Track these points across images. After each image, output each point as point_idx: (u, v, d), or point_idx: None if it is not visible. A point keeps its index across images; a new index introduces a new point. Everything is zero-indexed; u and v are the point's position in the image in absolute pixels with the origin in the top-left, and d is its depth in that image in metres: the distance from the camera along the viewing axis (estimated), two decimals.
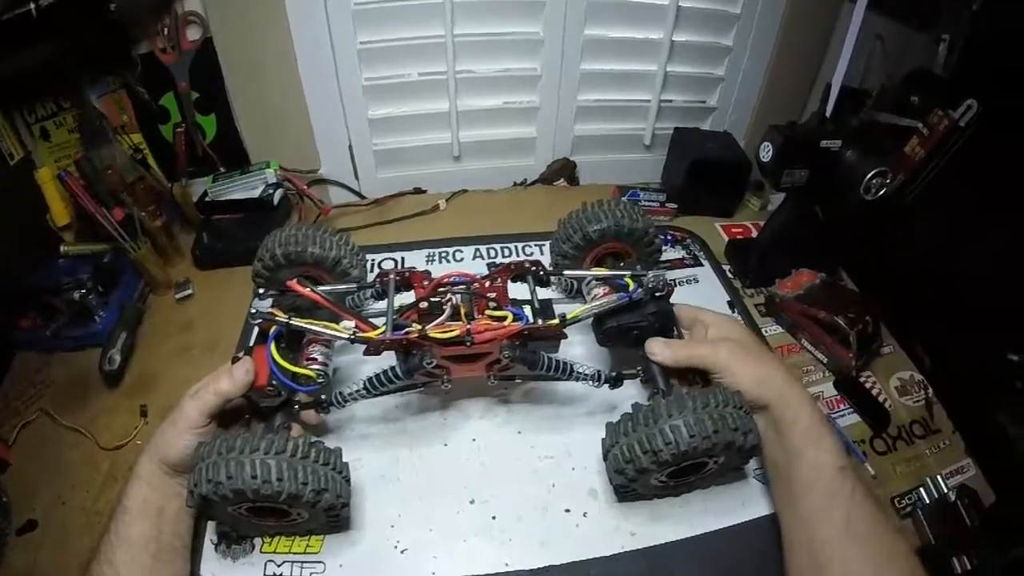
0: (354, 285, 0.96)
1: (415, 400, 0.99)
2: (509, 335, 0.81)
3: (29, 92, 1.20)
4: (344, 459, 0.76)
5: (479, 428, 0.96)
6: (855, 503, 0.71)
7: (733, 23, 1.37)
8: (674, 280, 0.90)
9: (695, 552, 0.83)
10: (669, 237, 1.35)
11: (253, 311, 0.82)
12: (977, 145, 1.03)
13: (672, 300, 0.91)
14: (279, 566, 0.80)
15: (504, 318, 0.83)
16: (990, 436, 0.99)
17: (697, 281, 1.26)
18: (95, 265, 1.16)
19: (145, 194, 1.21)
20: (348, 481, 0.76)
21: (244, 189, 1.32)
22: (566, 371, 0.86)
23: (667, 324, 0.89)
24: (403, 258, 1.28)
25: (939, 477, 0.93)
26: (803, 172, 1.09)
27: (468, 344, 0.79)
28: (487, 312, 0.85)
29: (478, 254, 1.29)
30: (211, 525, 0.83)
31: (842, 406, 1.06)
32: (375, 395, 0.84)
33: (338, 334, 0.81)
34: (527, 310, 0.87)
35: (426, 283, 0.89)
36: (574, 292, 1.05)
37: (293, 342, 0.86)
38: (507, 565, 0.81)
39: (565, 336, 0.86)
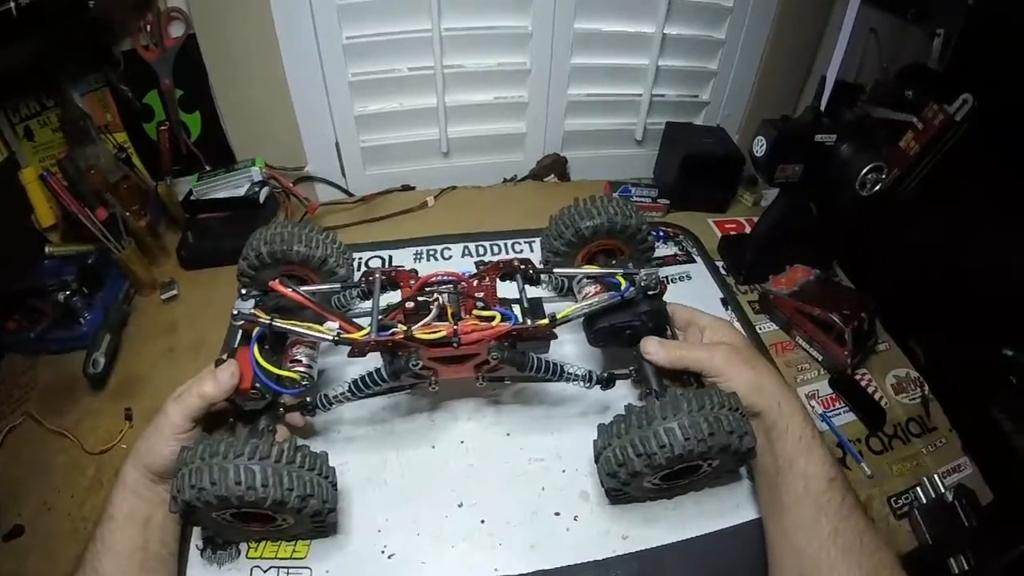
0: (339, 285, 0.95)
1: (403, 401, 0.98)
2: (497, 336, 0.79)
3: (12, 91, 1.19)
4: (330, 463, 0.75)
5: (468, 430, 0.95)
6: (843, 515, 0.71)
7: (726, 16, 1.36)
8: (666, 277, 0.89)
9: (688, 555, 0.82)
10: (661, 233, 1.34)
11: (235, 312, 0.81)
12: (972, 140, 1.02)
13: (665, 298, 0.90)
14: (265, 572, 0.79)
15: (492, 318, 0.82)
16: (986, 433, 0.99)
17: (690, 278, 1.25)
18: (80, 266, 1.15)
19: (129, 193, 1.19)
20: (335, 486, 0.75)
21: (229, 187, 1.31)
22: (556, 372, 0.84)
23: (660, 323, 0.88)
24: (390, 256, 1.26)
25: (936, 476, 0.92)
26: (797, 167, 1.08)
27: (455, 345, 0.78)
28: (475, 312, 0.83)
29: (467, 252, 1.28)
30: (196, 530, 0.82)
31: (837, 404, 1.05)
32: (361, 397, 0.83)
33: (322, 336, 0.79)
34: (516, 310, 0.85)
35: (412, 282, 0.88)
36: (564, 290, 1.04)
37: (277, 344, 0.85)
38: (496, 570, 0.80)
39: (555, 336, 0.84)
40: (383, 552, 0.81)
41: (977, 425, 1.01)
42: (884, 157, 1.03)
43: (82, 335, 1.10)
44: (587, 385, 0.86)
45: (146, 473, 0.75)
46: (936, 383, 1.08)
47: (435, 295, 0.84)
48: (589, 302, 0.86)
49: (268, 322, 0.79)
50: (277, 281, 0.85)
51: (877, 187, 1.04)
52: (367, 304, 0.90)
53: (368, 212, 1.42)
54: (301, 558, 0.80)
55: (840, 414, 1.04)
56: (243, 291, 0.86)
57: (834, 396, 1.06)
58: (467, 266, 1.19)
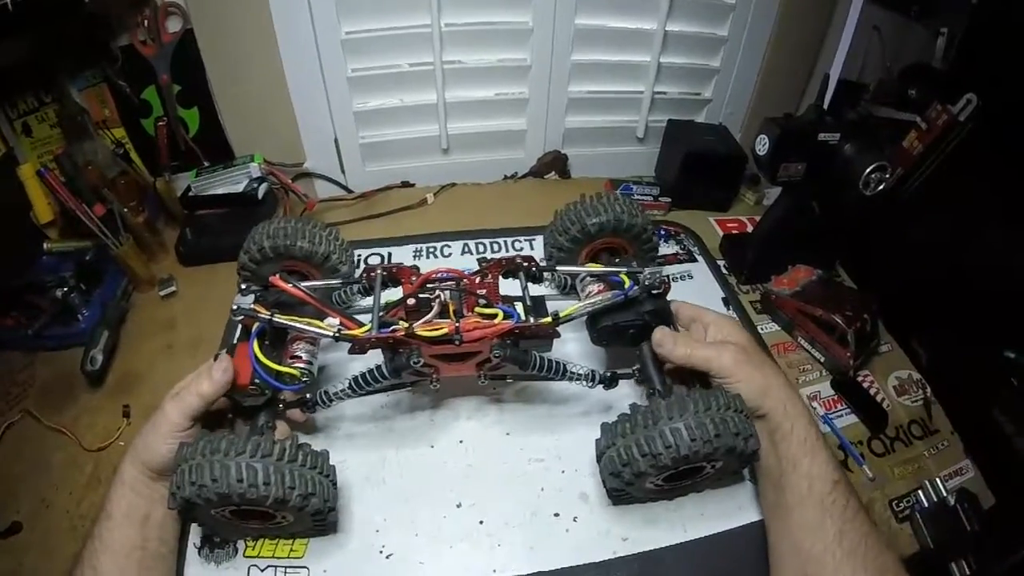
0: (339, 281, 0.94)
1: (403, 399, 0.97)
2: (499, 333, 0.79)
3: (9, 87, 1.19)
4: (330, 462, 0.75)
5: (467, 429, 0.94)
6: (848, 517, 0.71)
7: (728, 13, 1.35)
8: (668, 276, 0.89)
9: (689, 557, 0.82)
10: (663, 232, 1.33)
11: (235, 307, 0.81)
12: (976, 140, 1.01)
13: (668, 297, 0.89)
14: (262, 571, 0.79)
15: (494, 316, 0.81)
16: (988, 436, 0.98)
17: (691, 277, 1.24)
18: (78, 262, 1.14)
19: (127, 189, 1.20)
20: (335, 485, 0.75)
21: (228, 184, 1.31)
22: (559, 371, 0.84)
23: (664, 323, 0.87)
24: (390, 253, 1.26)
25: (938, 480, 0.92)
26: (800, 166, 1.07)
27: (457, 343, 0.78)
28: (477, 310, 0.83)
29: (467, 249, 1.28)
30: (194, 529, 0.82)
31: (839, 406, 1.04)
32: (361, 394, 0.83)
33: (322, 332, 0.79)
34: (518, 307, 0.85)
35: (414, 279, 0.87)
36: (567, 288, 1.04)
37: (277, 339, 0.84)
38: (495, 571, 0.79)
39: (558, 335, 0.83)
40: (381, 552, 0.81)
41: (979, 428, 1.01)
42: (888, 156, 1.03)
43: (80, 332, 1.09)
44: (590, 384, 0.85)
45: (144, 471, 0.75)
46: (938, 385, 1.08)
47: (437, 292, 0.84)
48: (592, 300, 0.86)
49: (268, 318, 0.79)
50: (278, 276, 0.84)
51: (881, 187, 1.03)
52: (368, 301, 0.90)
53: (367, 209, 1.42)
54: (299, 557, 0.80)
55: (842, 416, 1.03)
56: (243, 286, 0.87)
57: (836, 398, 1.05)
58: (467, 263, 1.19)
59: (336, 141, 1.40)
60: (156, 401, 0.78)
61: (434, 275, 0.87)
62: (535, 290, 0.91)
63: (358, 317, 0.82)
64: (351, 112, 1.35)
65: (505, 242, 1.29)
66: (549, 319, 0.81)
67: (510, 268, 0.92)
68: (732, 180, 1.46)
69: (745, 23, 1.36)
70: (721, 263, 1.29)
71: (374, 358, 0.81)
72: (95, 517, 0.74)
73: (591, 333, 0.90)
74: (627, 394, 0.90)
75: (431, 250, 1.27)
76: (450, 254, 1.27)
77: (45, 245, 1.18)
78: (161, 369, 1.06)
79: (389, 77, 1.32)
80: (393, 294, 0.88)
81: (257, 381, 0.78)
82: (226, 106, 1.31)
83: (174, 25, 1.22)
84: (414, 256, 1.26)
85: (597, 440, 0.78)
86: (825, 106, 1.05)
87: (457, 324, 0.78)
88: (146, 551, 0.73)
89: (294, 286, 0.83)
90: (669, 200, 1.42)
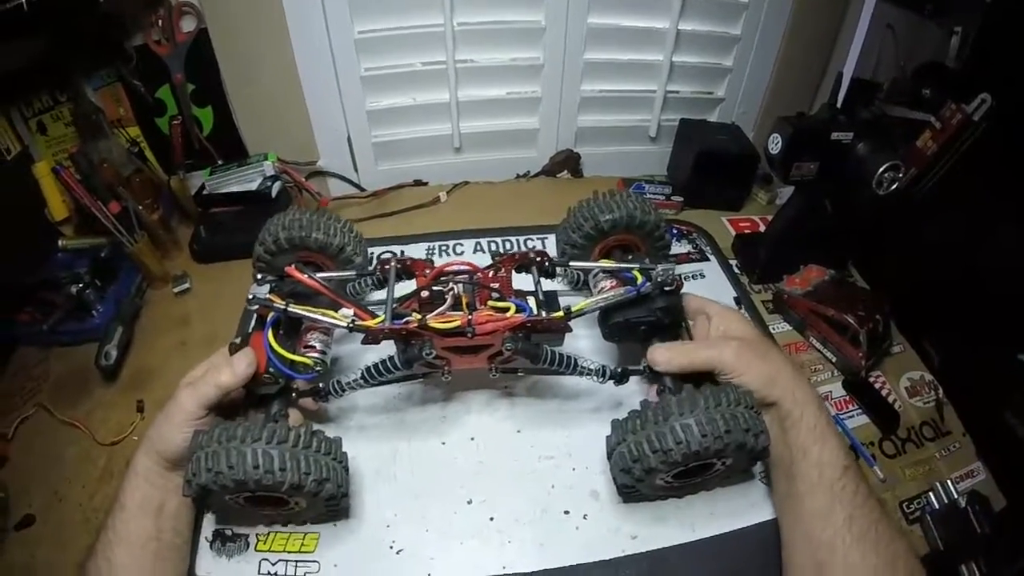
0: (353, 273, 0.95)
1: (415, 394, 0.98)
2: (511, 327, 0.79)
3: (24, 86, 1.20)
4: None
5: (478, 426, 0.94)
6: (858, 503, 0.71)
7: (741, 12, 1.35)
8: (680, 275, 0.89)
9: (698, 556, 0.82)
10: (675, 231, 1.33)
11: (251, 297, 0.81)
12: (991, 140, 1.00)
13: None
14: (273, 564, 0.80)
15: (507, 309, 0.81)
16: (1000, 438, 0.98)
17: (703, 276, 1.24)
18: (93, 259, 1.15)
19: (142, 187, 1.21)
20: (347, 470, 0.76)
21: (242, 182, 1.31)
22: (570, 365, 0.84)
23: (675, 320, 0.88)
24: (402, 251, 1.24)
25: (949, 481, 0.91)
26: (813, 165, 1.07)
27: (469, 335, 0.78)
28: (489, 303, 0.83)
29: (479, 247, 1.28)
30: (206, 523, 0.83)
31: (851, 407, 1.04)
32: (373, 384, 0.83)
33: (336, 322, 0.79)
34: (531, 301, 0.85)
35: (427, 272, 0.87)
36: (580, 284, 1.04)
37: (291, 328, 0.85)
38: (504, 568, 0.80)
39: (570, 329, 0.84)
40: (391, 547, 0.81)
41: (991, 430, 1.00)
42: (901, 156, 1.02)
43: (95, 327, 1.10)
44: (600, 380, 0.85)
45: (159, 460, 0.75)
46: (950, 387, 1.07)
47: (450, 285, 0.84)
48: (605, 296, 0.86)
49: (283, 307, 0.80)
50: (294, 267, 0.85)
51: (894, 186, 1.03)
52: (381, 293, 0.90)
53: (380, 207, 1.42)
54: (309, 551, 0.81)
55: (853, 416, 1.02)
56: (258, 276, 0.87)
57: (848, 398, 1.05)
58: (479, 261, 1.18)
59: (349, 140, 1.41)
60: (169, 396, 0.78)
61: (447, 268, 0.87)
62: (547, 285, 0.90)
63: (371, 309, 0.83)
64: (364, 111, 1.35)
65: (517, 240, 1.29)
66: (561, 313, 0.81)
67: (523, 263, 0.92)
68: (744, 179, 1.45)
69: (758, 22, 1.36)
70: (733, 262, 1.29)
71: (387, 349, 0.81)
72: (108, 509, 0.75)
73: (603, 329, 0.90)
74: (637, 391, 0.89)
75: (443, 248, 1.28)
76: (462, 252, 1.27)
77: (60, 242, 1.19)
78: (175, 365, 1.07)
79: (402, 76, 1.33)
80: (406, 287, 0.88)
81: (271, 370, 0.79)
82: (240, 105, 1.32)
83: (188, 25, 1.23)
84: (427, 254, 1.26)
85: (608, 436, 0.78)
86: (838, 105, 1.05)
87: (470, 317, 0.78)
88: (161, 542, 0.74)
89: (309, 276, 0.84)
90: (681, 199, 1.42)
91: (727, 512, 0.85)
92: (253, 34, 1.22)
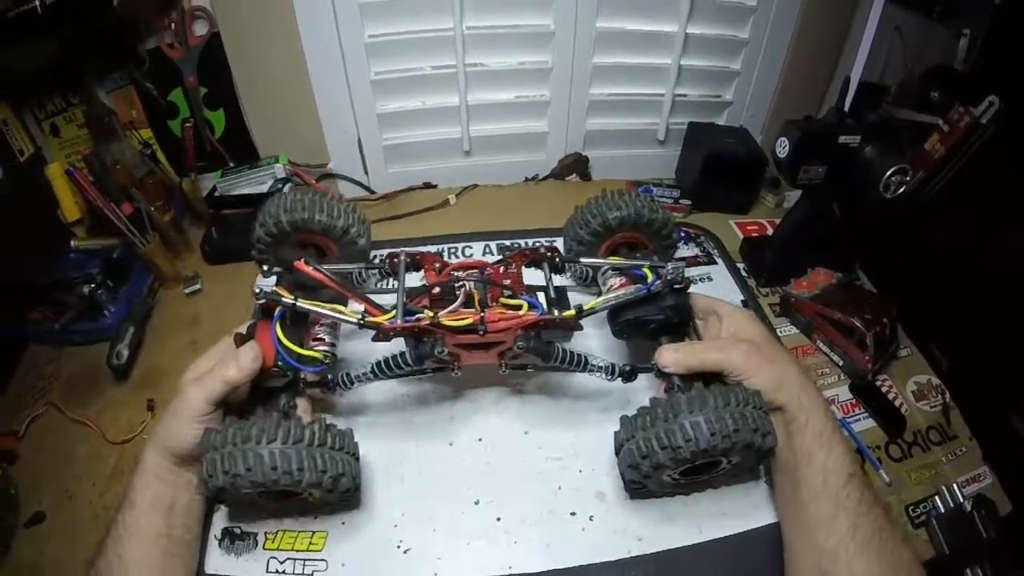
0: (362, 265, 0.94)
1: (423, 394, 0.98)
2: (524, 325, 0.79)
3: (38, 88, 1.21)
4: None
5: (486, 427, 0.95)
6: (862, 511, 0.70)
7: (749, 15, 1.34)
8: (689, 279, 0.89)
9: (704, 557, 0.82)
10: (683, 234, 1.33)
11: (257, 290, 0.80)
12: (999, 143, 1.00)
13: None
14: (282, 563, 0.80)
15: (519, 307, 0.81)
16: (1006, 442, 0.97)
17: (711, 279, 1.24)
18: (105, 260, 1.16)
19: (154, 189, 1.22)
20: (358, 459, 0.76)
21: (253, 184, 1.32)
22: (580, 363, 0.84)
23: (684, 318, 0.88)
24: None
25: (955, 485, 0.91)
26: (820, 169, 1.07)
27: (481, 333, 0.78)
28: (501, 300, 0.83)
29: (488, 250, 1.28)
30: (215, 521, 0.83)
31: (857, 410, 1.04)
32: (383, 378, 0.83)
33: (347, 318, 0.79)
34: (541, 297, 0.85)
35: (437, 265, 0.88)
36: (588, 280, 1.04)
37: (298, 319, 0.84)
38: (511, 568, 0.80)
39: (581, 328, 0.84)
40: (399, 547, 0.81)
41: (998, 434, 1.00)
42: (909, 159, 1.02)
43: (106, 327, 1.11)
44: (610, 377, 0.85)
45: (168, 457, 0.75)
46: (957, 390, 1.07)
47: (462, 281, 0.84)
48: (616, 294, 0.86)
49: (292, 302, 0.79)
50: (303, 261, 0.83)
51: (902, 189, 1.02)
52: (387, 284, 0.90)
53: (390, 209, 1.43)
54: (317, 550, 0.81)
55: (860, 420, 1.02)
56: (264, 267, 0.86)
57: (854, 402, 1.05)
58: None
59: (359, 142, 1.41)
60: (176, 393, 0.78)
61: (459, 266, 0.87)
62: (556, 281, 0.91)
63: (379, 299, 0.82)
64: (374, 114, 1.36)
65: (526, 243, 1.29)
66: (573, 312, 0.81)
67: (534, 258, 0.92)
68: (752, 183, 1.45)
69: (766, 25, 1.35)
70: (741, 266, 1.29)
71: (397, 343, 0.81)
72: (118, 505, 0.75)
73: (612, 326, 0.90)
74: (645, 393, 0.89)
75: (453, 250, 1.28)
76: (471, 254, 1.27)
77: (72, 243, 1.20)
78: (185, 365, 1.04)
79: (412, 80, 1.33)
80: (413, 280, 0.88)
81: (280, 364, 0.78)
82: (251, 108, 1.33)
83: (200, 29, 1.24)
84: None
85: (616, 432, 0.79)
86: (846, 108, 1.05)
87: (482, 314, 0.78)
88: (171, 538, 0.74)
89: (318, 271, 0.82)
90: (689, 202, 1.42)
91: (733, 513, 0.85)
92: (264, 38, 1.23)
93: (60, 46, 1.13)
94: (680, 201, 1.42)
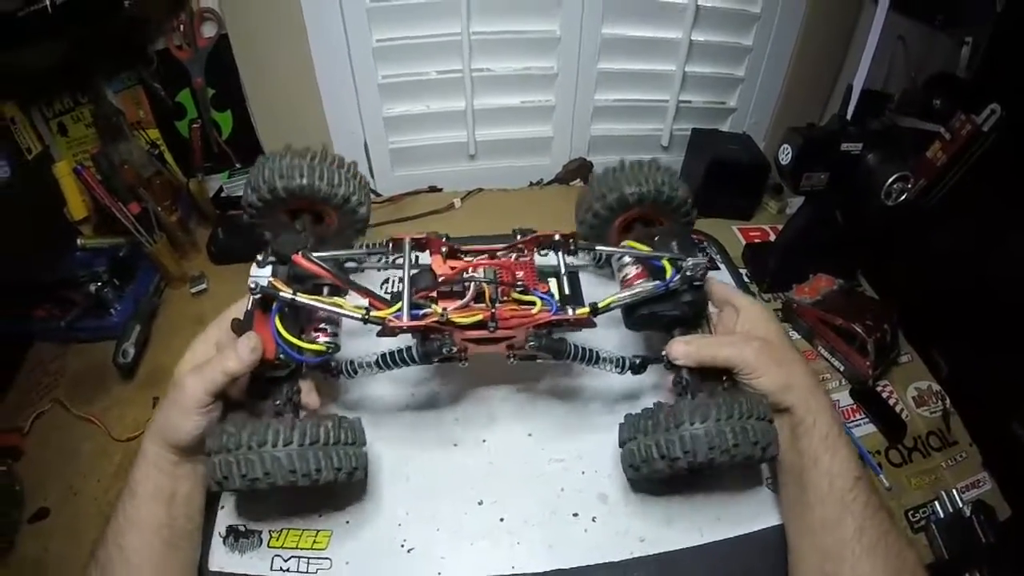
0: (363, 251, 0.88)
1: (428, 395, 0.98)
2: (537, 324, 0.77)
3: (46, 87, 1.22)
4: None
5: (490, 429, 0.95)
6: (868, 515, 0.70)
7: (753, 23, 1.35)
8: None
9: (706, 559, 0.82)
10: None
11: (253, 284, 0.75)
12: (1001, 150, 1.01)
13: None
14: (286, 560, 0.80)
15: (531, 303, 0.78)
16: (1006, 448, 0.98)
17: None
18: (111, 258, 1.17)
19: (161, 189, 1.22)
20: (363, 444, 0.76)
21: None
22: (590, 358, 0.82)
23: (699, 315, 0.86)
24: (416, 256, 1.26)
25: (955, 491, 0.92)
26: (823, 176, 1.07)
27: (491, 329, 0.76)
28: (512, 295, 0.80)
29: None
30: (219, 518, 0.83)
31: (858, 415, 1.04)
32: (387, 371, 0.81)
33: (350, 314, 0.75)
34: (553, 287, 0.83)
35: (444, 249, 0.83)
36: (602, 261, 1.03)
37: (298, 309, 0.79)
38: (514, 568, 0.80)
39: (594, 325, 0.81)
40: (403, 546, 0.81)
41: (998, 440, 1.00)
42: (911, 167, 1.03)
43: (112, 325, 1.12)
44: (619, 371, 0.84)
45: (168, 448, 0.73)
46: (958, 397, 1.07)
47: (471, 273, 0.80)
48: (632, 291, 0.82)
49: (291, 297, 0.74)
50: (301, 255, 0.77)
51: (903, 197, 1.03)
52: (387, 272, 0.87)
53: (396, 212, 1.43)
54: (322, 549, 0.81)
55: (860, 425, 1.03)
56: (259, 257, 0.78)
57: (855, 407, 1.05)
58: None
59: (366, 145, 1.42)
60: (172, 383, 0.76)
61: (470, 266, 0.82)
62: (569, 261, 0.89)
63: (379, 287, 0.80)
64: (381, 117, 1.36)
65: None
66: (587, 309, 0.78)
67: (547, 245, 0.88)
68: (755, 189, 1.46)
69: (770, 33, 1.36)
70: (743, 272, 1.29)
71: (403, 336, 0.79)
72: (118, 494, 0.74)
73: (626, 320, 0.87)
74: (649, 395, 0.90)
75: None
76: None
77: (79, 241, 1.20)
78: None
79: (419, 84, 1.34)
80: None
81: (281, 356, 0.75)
82: (258, 110, 1.34)
83: (209, 30, 1.25)
84: None
85: (621, 425, 0.79)
86: (848, 116, 1.05)
87: (493, 311, 0.75)
88: (173, 528, 0.73)
89: (318, 265, 0.77)
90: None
91: (735, 516, 0.85)
92: (272, 40, 1.24)
93: (69, 46, 1.13)
94: None
